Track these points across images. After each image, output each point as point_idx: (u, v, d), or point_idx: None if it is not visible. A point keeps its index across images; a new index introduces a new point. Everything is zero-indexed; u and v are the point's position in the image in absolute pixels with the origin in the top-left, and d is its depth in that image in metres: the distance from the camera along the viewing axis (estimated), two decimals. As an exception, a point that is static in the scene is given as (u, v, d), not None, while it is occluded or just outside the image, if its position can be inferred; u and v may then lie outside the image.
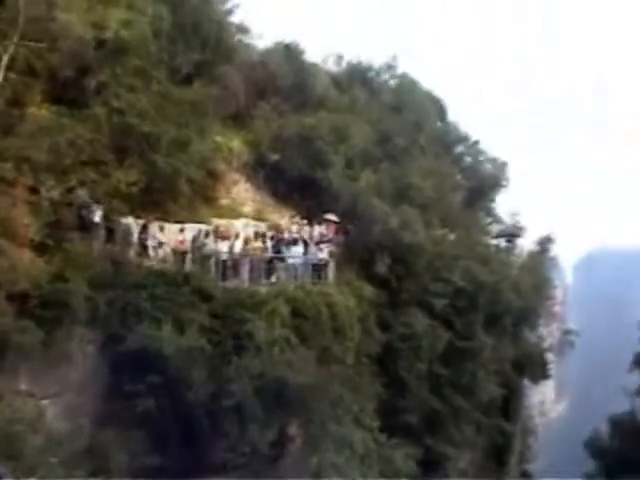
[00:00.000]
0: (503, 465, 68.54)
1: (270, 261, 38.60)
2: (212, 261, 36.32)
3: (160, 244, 35.65)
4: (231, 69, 47.74)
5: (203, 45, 45.14)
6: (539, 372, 73.46)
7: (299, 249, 39.34)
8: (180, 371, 30.37)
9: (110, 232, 34.42)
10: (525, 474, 78.97)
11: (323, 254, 40.15)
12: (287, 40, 56.25)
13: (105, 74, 36.75)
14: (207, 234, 37.33)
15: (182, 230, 36.88)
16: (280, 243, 39.42)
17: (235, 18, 52.23)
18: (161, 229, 36.09)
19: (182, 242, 36.25)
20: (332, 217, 43.33)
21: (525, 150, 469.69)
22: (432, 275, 50.08)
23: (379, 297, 45.09)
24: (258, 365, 31.53)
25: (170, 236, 36.41)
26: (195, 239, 36.82)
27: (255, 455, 32.65)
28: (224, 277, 35.95)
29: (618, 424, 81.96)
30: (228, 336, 32.08)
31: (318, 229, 41.83)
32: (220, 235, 37.48)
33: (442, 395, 50.98)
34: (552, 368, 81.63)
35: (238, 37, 52.54)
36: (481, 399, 55.34)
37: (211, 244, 36.92)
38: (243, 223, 41.65)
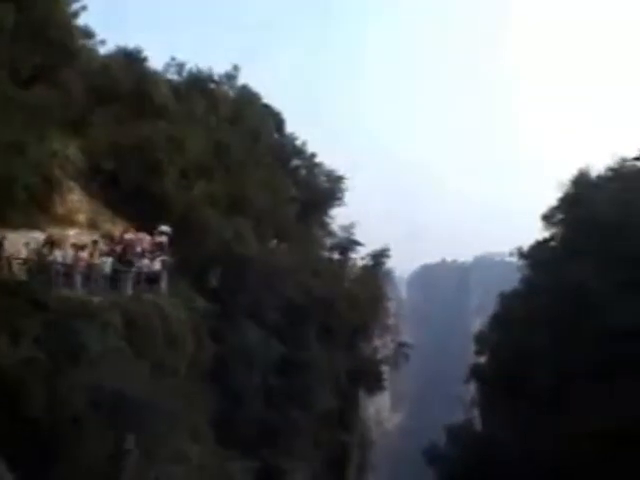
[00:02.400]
0: (343, 477, 69.18)
1: (104, 271, 37.87)
2: (48, 270, 35.35)
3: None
4: (73, 74, 46.57)
5: (47, 48, 43.96)
6: (374, 383, 74.75)
7: (133, 259, 38.78)
8: (15, 383, 29.48)
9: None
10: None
11: (156, 265, 39.66)
12: (129, 46, 55.63)
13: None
14: (51, 243, 36.34)
15: (18, 238, 35.75)
16: (114, 253, 38.76)
17: (79, 21, 50.89)
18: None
19: (18, 250, 35.16)
20: (166, 228, 42.86)
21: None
22: (265, 287, 50.20)
23: (212, 309, 44.80)
24: (93, 377, 30.92)
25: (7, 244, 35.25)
26: (29, 247, 35.77)
27: (92, 470, 31.91)
28: (59, 287, 35.06)
29: (455, 433, 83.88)
30: (63, 347, 31.29)
31: (152, 239, 41.32)
32: (55, 244, 36.54)
33: (277, 407, 51.09)
34: (387, 379, 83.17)
35: (82, 41, 51.27)
36: (317, 411, 55.71)
37: (46, 253, 35.93)
38: (76, 232, 40.77)
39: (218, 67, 67.46)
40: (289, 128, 74.71)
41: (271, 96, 73.05)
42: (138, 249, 38.62)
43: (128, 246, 38.41)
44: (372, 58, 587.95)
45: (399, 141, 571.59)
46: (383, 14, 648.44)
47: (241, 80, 68.43)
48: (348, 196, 73.53)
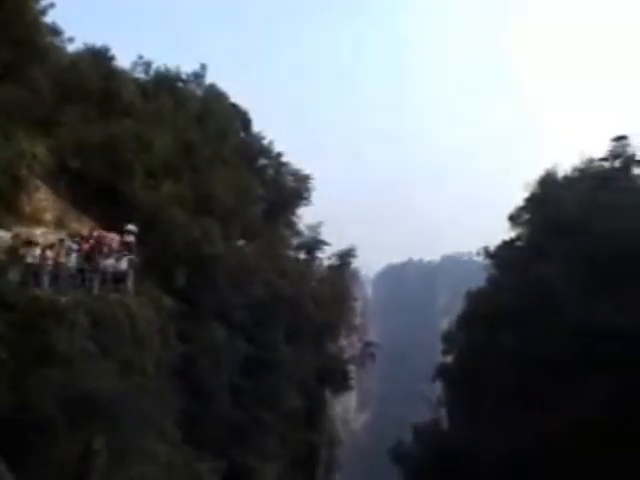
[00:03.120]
0: (311, 476, 69.29)
1: (71, 270, 37.70)
2: (15, 270, 35.12)
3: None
4: (41, 72, 46.31)
5: (14, 45, 43.61)
6: (341, 383, 75.00)
7: (100, 258, 38.64)
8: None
9: None
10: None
11: (123, 264, 39.53)
12: (97, 44, 55.38)
13: None
14: (29, 243, 36.12)
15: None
16: (81, 252, 38.57)
17: (47, 19, 50.54)
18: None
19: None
20: (132, 227, 42.71)
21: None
22: (232, 286, 50.23)
23: (179, 308, 44.70)
24: (60, 377, 30.77)
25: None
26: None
27: (61, 471, 31.79)
28: (26, 286, 34.85)
29: (421, 432, 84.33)
30: (30, 347, 31.12)
31: (118, 239, 41.18)
32: (21, 243, 36.32)
33: (245, 407, 51.11)
34: (354, 379, 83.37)
35: (50, 39, 50.91)
36: (284, 410, 55.81)
37: (11, 252, 35.70)
38: (43, 231, 40.54)
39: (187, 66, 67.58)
40: (256, 126, 74.88)
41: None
42: (106, 248, 38.53)
43: (97, 244, 38.30)
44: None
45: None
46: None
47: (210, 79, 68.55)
48: (316, 194, 73.88)
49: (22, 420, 29.21)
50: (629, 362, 59.75)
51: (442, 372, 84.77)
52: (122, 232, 40.36)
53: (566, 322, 63.59)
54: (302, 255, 71.45)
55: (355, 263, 79.18)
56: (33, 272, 34.32)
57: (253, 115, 74.14)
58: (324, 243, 72.49)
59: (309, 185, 72.82)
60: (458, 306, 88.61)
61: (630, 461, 55.42)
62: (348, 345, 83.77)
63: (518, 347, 67.40)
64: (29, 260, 34.35)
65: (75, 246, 37.74)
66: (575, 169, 78.01)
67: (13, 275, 33.52)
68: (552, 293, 65.87)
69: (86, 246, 38.13)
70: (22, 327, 30.35)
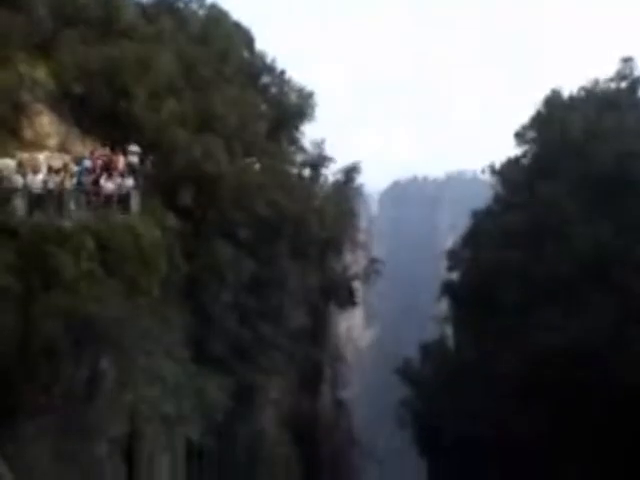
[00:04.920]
0: (316, 393, 70.08)
1: (76, 194, 37.57)
2: (18, 196, 35.00)
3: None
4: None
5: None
6: (346, 300, 75.14)
7: (104, 181, 38.51)
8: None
9: None
10: (339, 402, 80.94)
11: (128, 185, 39.43)
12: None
13: None
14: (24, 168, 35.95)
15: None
16: (85, 175, 38.43)
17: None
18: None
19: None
20: (136, 148, 42.53)
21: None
22: (236, 205, 50.12)
23: (184, 227, 44.75)
24: (66, 301, 30.90)
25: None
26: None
27: (69, 396, 32.14)
28: (31, 212, 34.80)
29: (428, 350, 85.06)
30: (35, 273, 31.21)
31: (123, 160, 41.01)
32: (25, 169, 36.15)
33: (250, 324, 51.41)
34: (359, 296, 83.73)
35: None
36: (289, 328, 56.13)
37: (17, 178, 35.54)
38: (47, 156, 40.34)
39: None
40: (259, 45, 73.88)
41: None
42: (112, 170, 38.41)
43: (105, 166, 38.21)
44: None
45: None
46: None
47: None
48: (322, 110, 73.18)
49: (29, 347, 29.52)
50: (633, 284, 60.31)
51: (448, 289, 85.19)
52: (125, 153, 40.21)
53: (572, 242, 63.88)
54: (306, 172, 71.05)
55: (360, 180, 78.68)
56: (38, 198, 34.30)
57: (256, 32, 73.19)
58: (328, 159, 71.99)
59: (313, 101, 72.01)
60: (463, 224, 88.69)
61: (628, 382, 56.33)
62: (353, 262, 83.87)
63: (524, 265, 67.73)
64: (34, 186, 34.29)
65: (81, 168, 37.68)
66: (581, 89, 77.52)
67: (18, 202, 33.49)
68: (558, 213, 66.01)
69: (94, 168, 38.05)
70: (28, 254, 30.45)
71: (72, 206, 35.43)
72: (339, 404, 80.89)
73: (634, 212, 63.15)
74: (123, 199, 38.05)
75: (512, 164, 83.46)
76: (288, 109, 68.86)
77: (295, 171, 69.00)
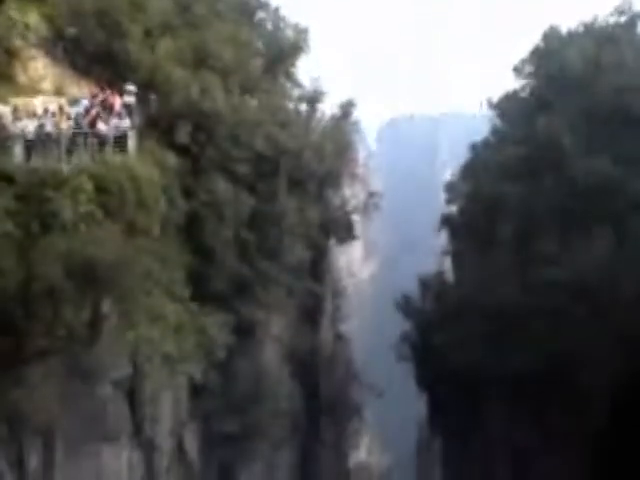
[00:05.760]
0: (316, 327, 70.55)
1: (73, 137, 37.40)
2: (15, 142, 34.80)
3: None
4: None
5: None
6: (345, 233, 75.18)
7: (101, 122, 38.27)
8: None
9: None
10: (339, 335, 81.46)
11: (124, 125, 39.22)
12: None
13: None
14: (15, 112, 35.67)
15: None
16: (82, 117, 38.19)
17: None
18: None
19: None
20: (133, 88, 42.24)
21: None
22: (233, 141, 49.97)
23: (182, 166, 44.68)
24: (65, 244, 30.99)
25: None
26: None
27: (72, 338, 32.37)
28: (28, 158, 34.64)
29: (427, 284, 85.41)
30: (34, 218, 31.20)
31: (119, 100, 40.74)
32: (20, 114, 35.89)
33: (249, 260, 51.57)
34: (358, 229, 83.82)
35: None
36: (289, 262, 56.27)
37: (12, 124, 35.30)
38: (42, 100, 40.05)
39: None
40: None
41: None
42: (109, 110, 38.15)
43: (103, 107, 37.95)
44: None
45: None
46: None
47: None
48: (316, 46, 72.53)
49: (30, 291, 29.64)
50: (628, 216, 60.55)
51: (446, 222, 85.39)
52: (121, 93, 39.94)
53: (570, 175, 63.97)
54: (303, 107, 70.62)
55: (358, 116, 78.32)
56: (34, 143, 34.10)
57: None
58: (325, 94, 71.54)
59: (308, 37, 71.36)
60: (461, 159, 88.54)
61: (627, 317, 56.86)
62: (351, 196, 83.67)
63: (523, 198, 67.86)
64: (30, 131, 34.08)
65: (78, 110, 37.43)
66: (580, 24, 77.03)
67: (15, 148, 33.32)
68: (557, 146, 66.02)
69: (91, 108, 37.79)
70: (26, 199, 30.41)
71: (69, 149, 35.21)
72: (339, 338, 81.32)
73: (633, 146, 63.16)
74: (120, 140, 37.83)
75: (510, 98, 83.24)
76: (283, 45, 68.25)
77: (292, 106, 68.63)
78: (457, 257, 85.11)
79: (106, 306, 34.26)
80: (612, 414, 55.78)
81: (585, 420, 58.13)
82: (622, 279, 58.07)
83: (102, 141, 36.40)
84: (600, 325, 58.49)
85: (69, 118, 36.04)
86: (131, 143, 38.15)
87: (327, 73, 73.18)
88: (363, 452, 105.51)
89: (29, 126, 33.98)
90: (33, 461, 32.13)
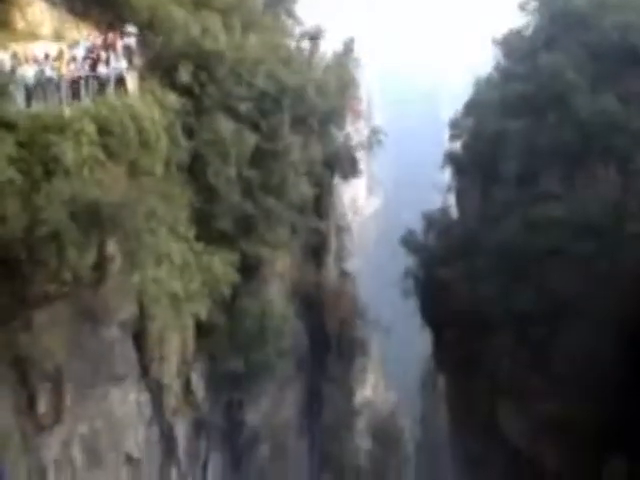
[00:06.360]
0: (321, 263, 70.76)
1: (74, 81, 37.12)
2: (15, 88, 34.52)
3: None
4: None
5: None
6: (349, 169, 75.06)
7: (101, 65, 37.96)
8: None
9: None
10: (343, 272, 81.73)
11: (125, 66, 38.93)
12: None
13: None
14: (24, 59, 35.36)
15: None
16: (83, 60, 37.87)
17: None
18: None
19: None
20: (132, 29, 41.84)
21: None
22: (235, 80, 49.63)
23: (184, 105, 44.35)
24: (69, 188, 30.93)
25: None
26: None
27: (77, 282, 32.46)
28: (28, 103, 34.41)
29: (431, 220, 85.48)
30: (36, 163, 31.07)
31: (119, 42, 40.37)
32: (20, 60, 35.56)
33: (253, 198, 51.50)
34: (362, 166, 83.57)
35: None
36: (293, 199, 56.19)
37: (12, 71, 34.94)
38: (41, 45, 39.64)
39: None
40: None
41: None
42: (107, 51, 37.81)
43: (105, 49, 37.64)
44: None
45: None
46: None
47: None
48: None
49: (34, 237, 29.62)
50: (633, 154, 60.45)
51: (451, 159, 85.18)
52: (122, 35, 39.61)
53: (574, 112, 63.69)
54: (305, 44, 70.00)
55: (361, 55, 77.76)
56: (35, 88, 33.86)
57: None
58: (326, 31, 70.89)
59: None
60: (465, 97, 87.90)
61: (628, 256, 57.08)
62: (355, 131, 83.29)
63: (527, 135, 67.68)
64: (30, 76, 33.80)
65: (79, 52, 37.13)
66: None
67: (15, 94, 33.06)
68: (560, 83, 65.73)
69: (93, 50, 37.49)
70: (28, 144, 30.23)
71: (70, 93, 34.99)
72: (344, 275, 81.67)
73: (637, 84, 62.96)
74: (121, 81, 37.62)
75: (514, 35, 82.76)
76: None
77: (294, 44, 68.06)
78: (461, 194, 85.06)
79: (111, 248, 34.28)
80: (618, 354, 56.12)
81: (590, 360, 58.51)
82: (627, 217, 58.12)
83: (103, 83, 36.20)
84: (605, 263, 58.66)
85: (69, 62, 35.73)
86: (132, 84, 37.94)
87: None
88: (369, 389, 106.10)
89: (29, 72, 33.68)
90: (42, 406, 32.43)
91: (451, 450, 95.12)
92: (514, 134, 69.00)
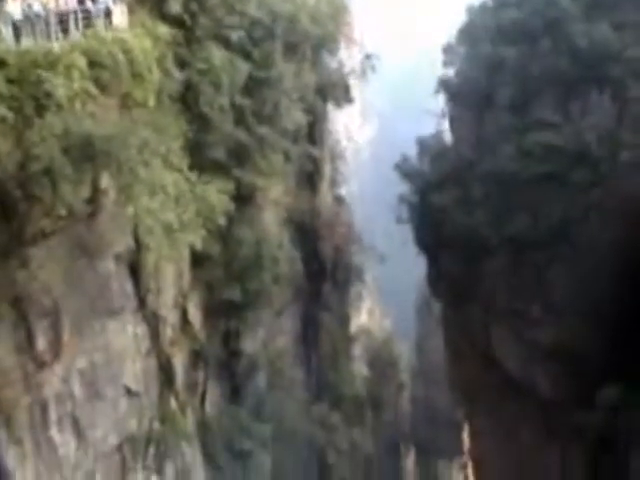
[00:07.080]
0: (315, 190, 70.75)
1: (62, 15, 36.71)
2: (1, 25, 34.12)
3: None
4: None
5: None
6: (342, 96, 74.58)
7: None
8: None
9: None
10: (338, 199, 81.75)
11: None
12: None
13: None
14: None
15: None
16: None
17: None
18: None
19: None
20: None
21: None
22: (227, 9, 49.31)
23: (175, 36, 43.95)
24: (61, 123, 30.85)
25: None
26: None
27: (72, 216, 32.53)
28: (17, 40, 34.09)
29: (425, 145, 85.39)
30: (28, 99, 30.91)
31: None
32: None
33: (246, 126, 51.37)
34: (355, 93, 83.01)
35: None
36: (286, 127, 56.05)
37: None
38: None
39: None
40: None
41: None
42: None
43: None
44: None
45: None
46: None
47: None
48: None
49: (28, 173, 29.64)
50: (628, 83, 60.16)
51: (444, 85, 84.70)
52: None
53: (569, 39, 63.27)
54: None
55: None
56: (23, 24, 33.49)
57: None
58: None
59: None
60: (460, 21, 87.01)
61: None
62: (348, 58, 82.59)
63: (521, 62, 67.35)
64: (17, 12, 33.41)
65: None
66: None
67: (3, 31, 32.69)
68: (555, 9, 65.23)
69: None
70: (18, 81, 30.06)
71: (59, 28, 34.63)
72: (338, 201, 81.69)
73: (633, 12, 62.51)
74: (110, 14, 37.24)
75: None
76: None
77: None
78: (455, 121, 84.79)
79: (105, 181, 34.32)
80: (613, 281, 56.56)
81: (585, 287, 58.99)
82: (621, 145, 58.13)
83: (91, 17, 35.84)
84: (599, 191, 58.82)
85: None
86: (122, 16, 37.57)
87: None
88: (364, 316, 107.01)
89: (16, 7, 33.30)
90: (41, 343, 32.80)
91: (447, 376, 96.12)
92: (508, 61, 68.70)
